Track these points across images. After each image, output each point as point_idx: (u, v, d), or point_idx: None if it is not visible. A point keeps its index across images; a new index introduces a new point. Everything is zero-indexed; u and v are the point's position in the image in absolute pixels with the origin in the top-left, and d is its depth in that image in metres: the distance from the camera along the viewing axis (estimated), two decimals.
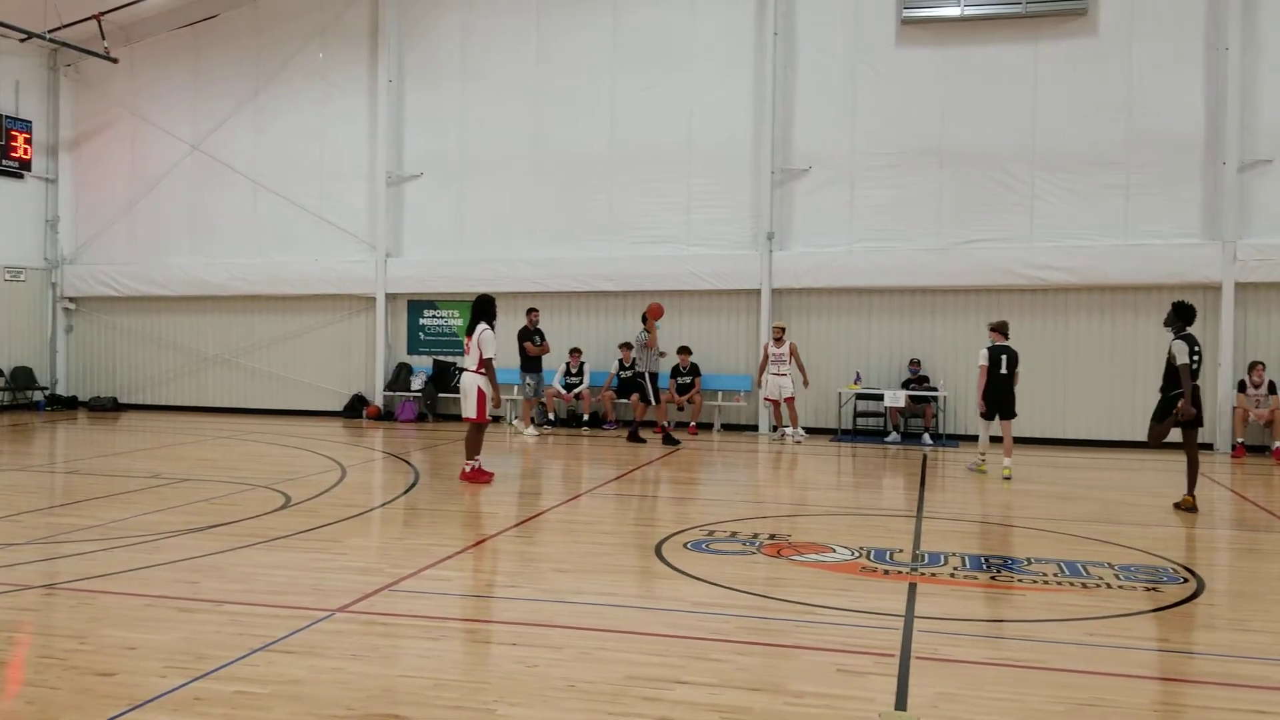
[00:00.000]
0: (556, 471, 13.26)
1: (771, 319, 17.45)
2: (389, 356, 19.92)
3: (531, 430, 16.99)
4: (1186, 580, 7.13)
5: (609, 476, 12.23)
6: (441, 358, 19.60)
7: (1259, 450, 15.16)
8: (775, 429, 16.94)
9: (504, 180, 19.02)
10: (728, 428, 17.98)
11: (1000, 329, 12.98)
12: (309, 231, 20.23)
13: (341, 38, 19.98)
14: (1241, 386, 15.13)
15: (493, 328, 11.23)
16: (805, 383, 16.52)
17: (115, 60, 20.40)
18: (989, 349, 12.80)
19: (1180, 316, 10.18)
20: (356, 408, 19.75)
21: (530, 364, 17.17)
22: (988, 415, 12.81)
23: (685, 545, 8.03)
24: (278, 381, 20.58)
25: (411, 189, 19.67)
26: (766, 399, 16.87)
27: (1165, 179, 15.85)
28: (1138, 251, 15.83)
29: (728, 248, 17.81)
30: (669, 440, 15.71)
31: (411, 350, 19.92)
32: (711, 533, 8.57)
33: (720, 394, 17.93)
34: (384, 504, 10.37)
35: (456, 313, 19.59)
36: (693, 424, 17.53)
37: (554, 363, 18.33)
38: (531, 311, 17.28)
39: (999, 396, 12.66)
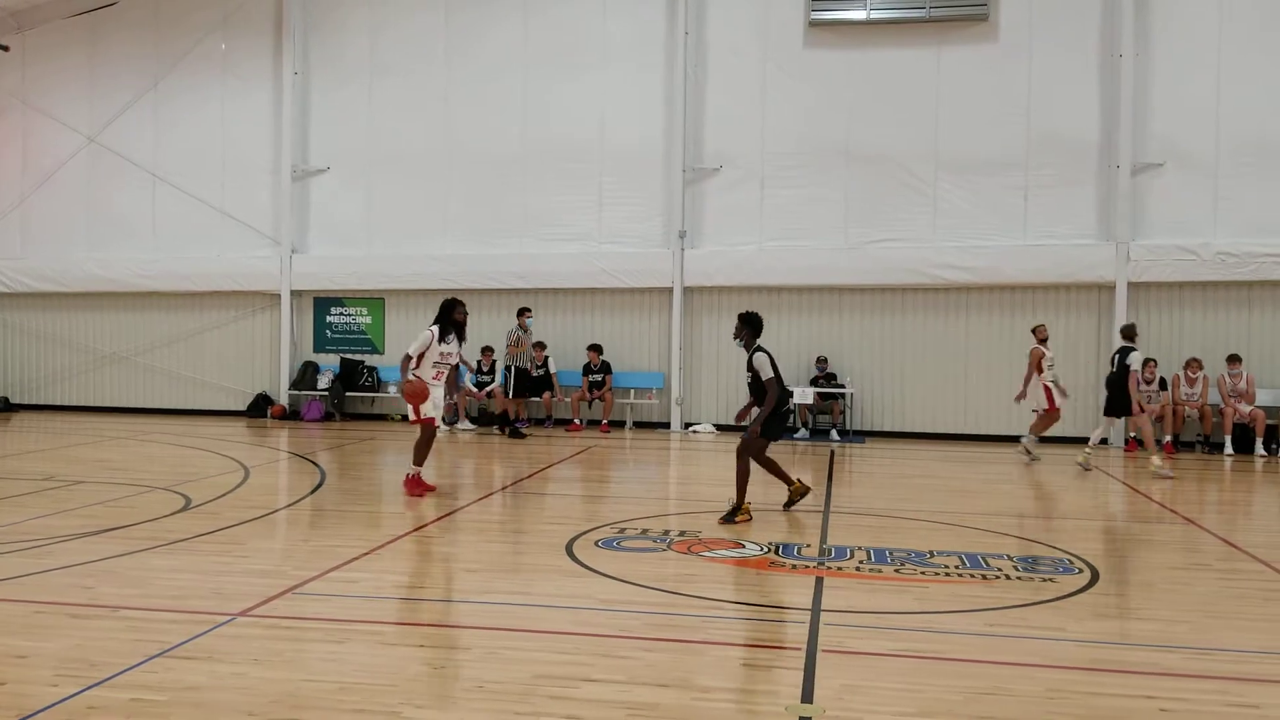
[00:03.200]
0: (467, 470, 13.14)
1: (683, 317, 17.57)
2: (294, 355, 19.53)
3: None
4: (1081, 571, 7.36)
5: (520, 475, 12.17)
6: (349, 356, 19.29)
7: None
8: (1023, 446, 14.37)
9: (415, 177, 18.79)
10: (639, 425, 18.04)
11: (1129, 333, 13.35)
12: (211, 227, 19.72)
13: (245, 29, 19.52)
14: (1161, 384, 15.65)
15: (447, 330, 10.33)
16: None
17: (6, 48, 19.63)
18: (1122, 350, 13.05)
19: (755, 329, 9.42)
20: (261, 407, 19.32)
21: None
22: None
23: (596, 543, 8.02)
24: (178, 380, 20.03)
25: (318, 184, 19.31)
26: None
27: (1062, 181, 16.36)
28: (1036, 252, 16.30)
29: (640, 246, 17.86)
30: (516, 433, 16.25)
31: (318, 348, 19.56)
32: (623, 530, 8.58)
33: (632, 392, 17.97)
34: (289, 505, 10.16)
35: (365, 310, 19.29)
36: (604, 422, 17.54)
37: (466, 361, 18.19)
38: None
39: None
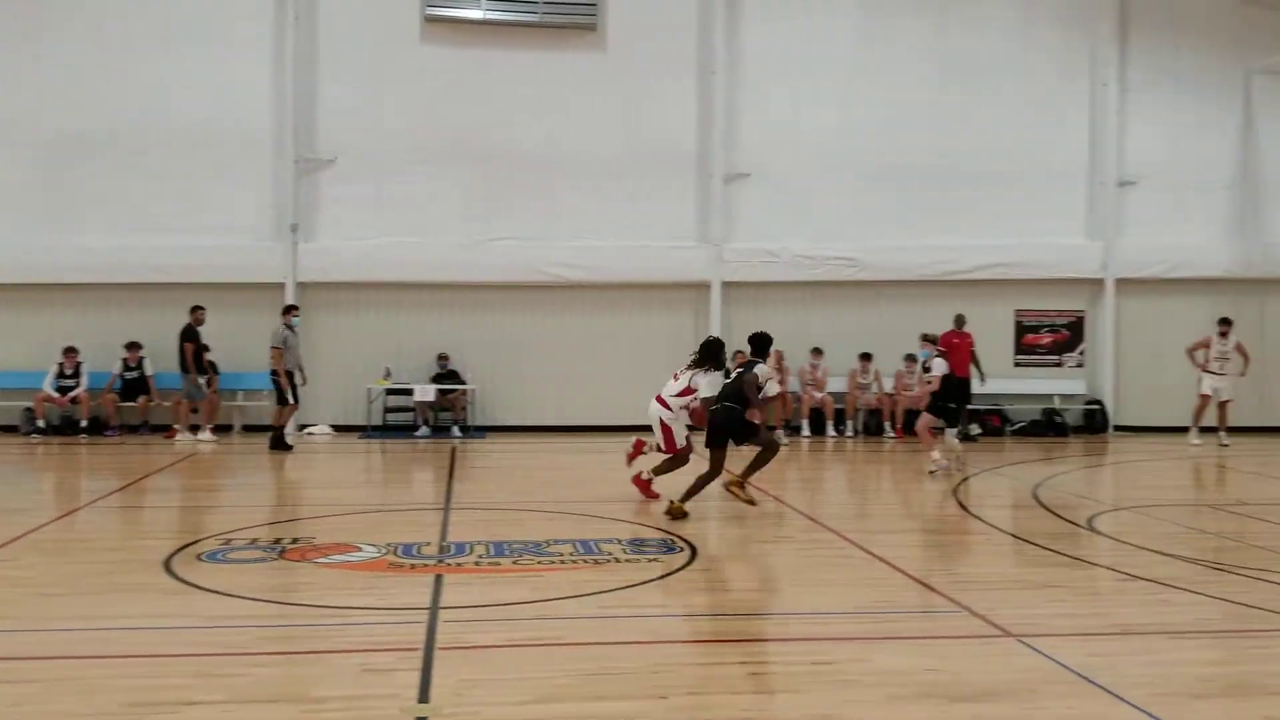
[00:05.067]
0: (48, 484, 11.81)
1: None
2: None
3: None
4: (683, 549, 7.90)
5: (112, 488, 11.12)
6: None
7: None
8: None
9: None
10: (250, 429, 17.05)
11: None
12: None
13: None
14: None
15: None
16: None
17: None
18: None
19: (755, 348, 10.18)
20: None
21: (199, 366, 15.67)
22: None
23: (199, 557, 7.51)
24: None
25: None
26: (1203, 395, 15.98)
27: (665, 187, 17.40)
28: (643, 253, 17.21)
29: (249, 238, 16.87)
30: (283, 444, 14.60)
31: None
32: (229, 541, 8.09)
33: (240, 394, 16.96)
34: None
35: None
36: (210, 426, 16.38)
37: (44, 363, 16.30)
38: (197, 310, 15.51)
39: None
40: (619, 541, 8.15)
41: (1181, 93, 17.80)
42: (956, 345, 16.33)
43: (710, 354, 10.14)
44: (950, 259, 17.44)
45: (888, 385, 16.98)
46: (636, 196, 17.30)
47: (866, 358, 16.93)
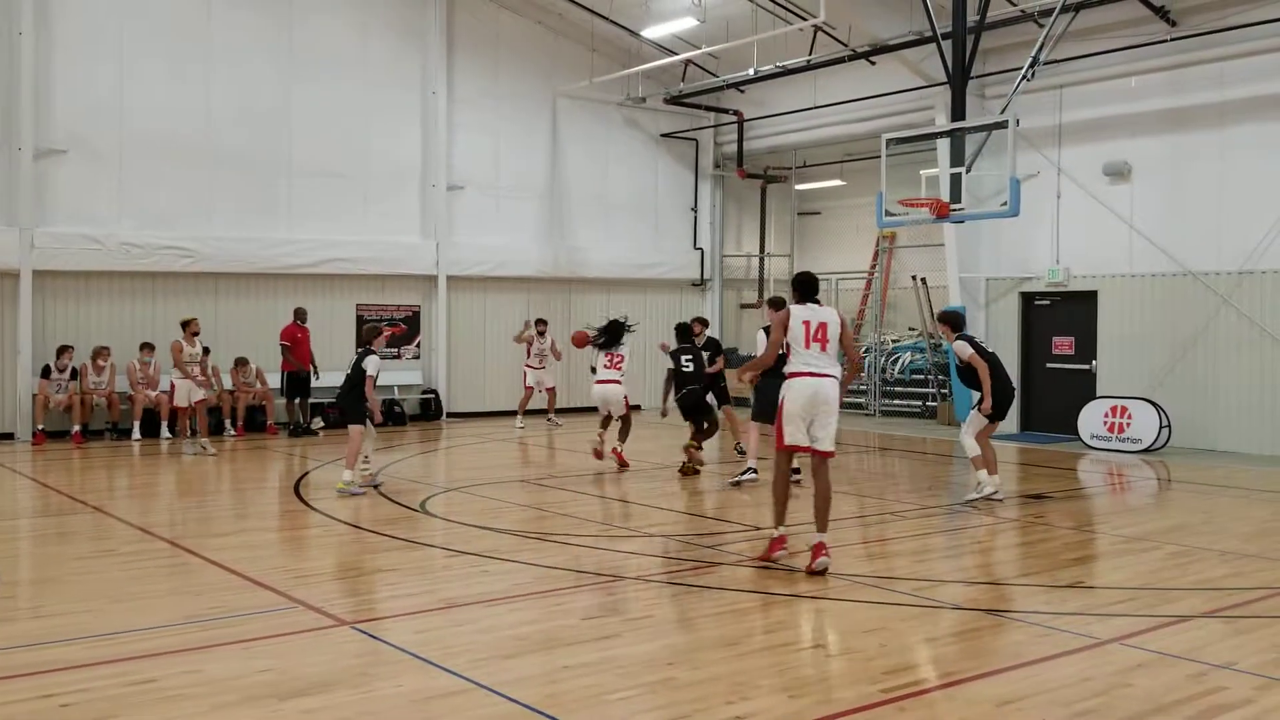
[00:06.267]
0: None
1: None
2: None
3: None
4: None
5: None
6: None
7: (60, 436, 15.30)
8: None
9: None
10: None
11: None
12: None
13: None
14: (45, 373, 15.16)
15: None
16: None
17: None
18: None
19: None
20: None
21: None
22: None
23: None
24: None
25: None
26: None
27: None
28: None
29: None
30: None
31: None
32: None
33: None
34: None
35: None
36: None
37: None
38: None
39: None
40: None
41: (502, 109, 19.56)
42: (299, 340, 16.42)
43: (614, 334, 12.23)
44: (292, 252, 17.25)
45: (227, 382, 16.34)
46: None
47: (205, 352, 16.11)
